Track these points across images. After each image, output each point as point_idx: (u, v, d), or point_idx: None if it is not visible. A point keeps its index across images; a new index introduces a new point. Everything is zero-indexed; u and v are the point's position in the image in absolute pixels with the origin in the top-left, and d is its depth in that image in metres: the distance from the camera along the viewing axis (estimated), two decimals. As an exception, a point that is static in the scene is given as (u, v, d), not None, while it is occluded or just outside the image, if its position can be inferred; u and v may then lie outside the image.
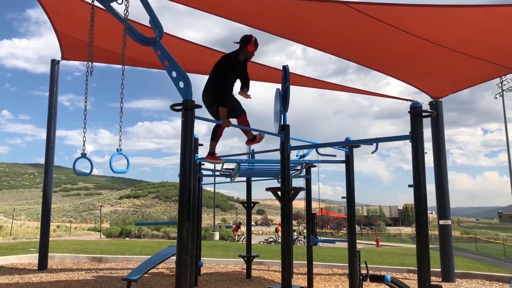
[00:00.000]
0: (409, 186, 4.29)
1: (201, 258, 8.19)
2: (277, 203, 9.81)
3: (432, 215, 62.52)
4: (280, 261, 5.18)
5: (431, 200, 6.39)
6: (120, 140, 4.01)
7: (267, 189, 5.22)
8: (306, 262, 7.17)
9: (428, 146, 8.16)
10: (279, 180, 6.65)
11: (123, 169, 4.06)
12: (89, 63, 4.21)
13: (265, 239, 28.76)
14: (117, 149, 3.98)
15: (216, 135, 5.27)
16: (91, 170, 4.15)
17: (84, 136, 4.19)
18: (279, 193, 5.05)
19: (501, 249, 20.22)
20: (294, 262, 8.64)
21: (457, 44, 6.07)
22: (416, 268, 4.15)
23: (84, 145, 4.17)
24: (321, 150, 6.40)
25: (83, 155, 4.14)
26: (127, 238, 25.34)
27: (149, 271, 6.85)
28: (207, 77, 5.06)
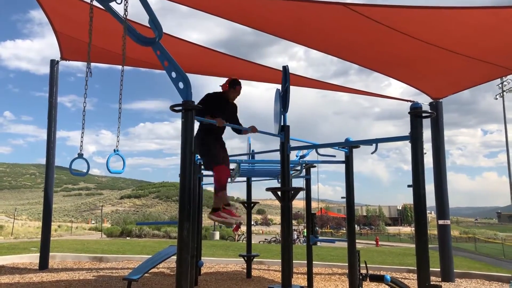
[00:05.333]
0: (409, 186, 4.29)
1: (202, 258, 8.21)
2: (277, 203, 9.80)
3: (431, 215, 62.42)
4: (280, 260, 5.20)
5: (430, 200, 6.39)
6: (117, 141, 4.03)
7: (267, 189, 5.23)
8: (306, 261, 7.19)
9: (427, 146, 8.19)
10: (279, 180, 6.66)
11: (120, 169, 4.10)
12: (88, 63, 4.21)
13: (265, 239, 28.76)
14: (114, 150, 4.01)
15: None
16: (88, 170, 4.18)
17: (82, 137, 4.20)
18: (279, 193, 5.07)
19: (500, 249, 20.21)
20: (294, 261, 8.65)
21: (457, 46, 6.08)
22: (416, 268, 4.16)
23: (81, 145, 4.18)
24: (321, 150, 6.41)
25: (80, 156, 4.16)
26: (128, 238, 25.39)
27: (150, 271, 6.86)
28: (207, 77, 5.06)
